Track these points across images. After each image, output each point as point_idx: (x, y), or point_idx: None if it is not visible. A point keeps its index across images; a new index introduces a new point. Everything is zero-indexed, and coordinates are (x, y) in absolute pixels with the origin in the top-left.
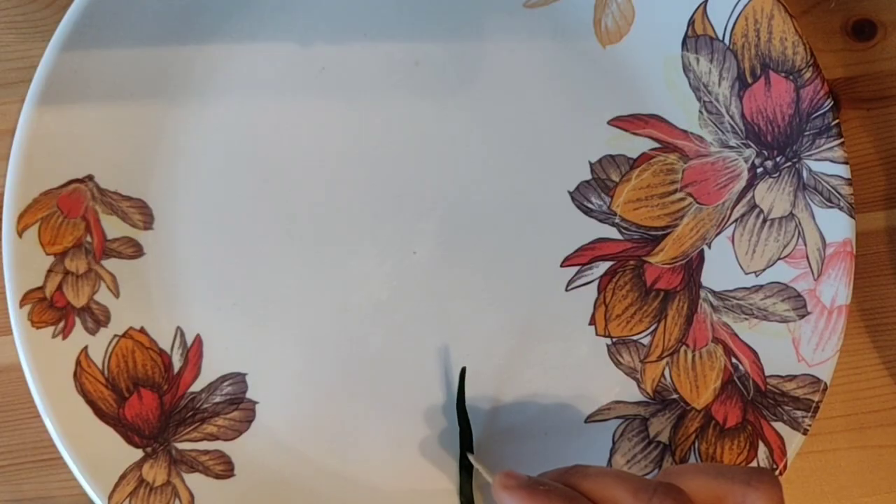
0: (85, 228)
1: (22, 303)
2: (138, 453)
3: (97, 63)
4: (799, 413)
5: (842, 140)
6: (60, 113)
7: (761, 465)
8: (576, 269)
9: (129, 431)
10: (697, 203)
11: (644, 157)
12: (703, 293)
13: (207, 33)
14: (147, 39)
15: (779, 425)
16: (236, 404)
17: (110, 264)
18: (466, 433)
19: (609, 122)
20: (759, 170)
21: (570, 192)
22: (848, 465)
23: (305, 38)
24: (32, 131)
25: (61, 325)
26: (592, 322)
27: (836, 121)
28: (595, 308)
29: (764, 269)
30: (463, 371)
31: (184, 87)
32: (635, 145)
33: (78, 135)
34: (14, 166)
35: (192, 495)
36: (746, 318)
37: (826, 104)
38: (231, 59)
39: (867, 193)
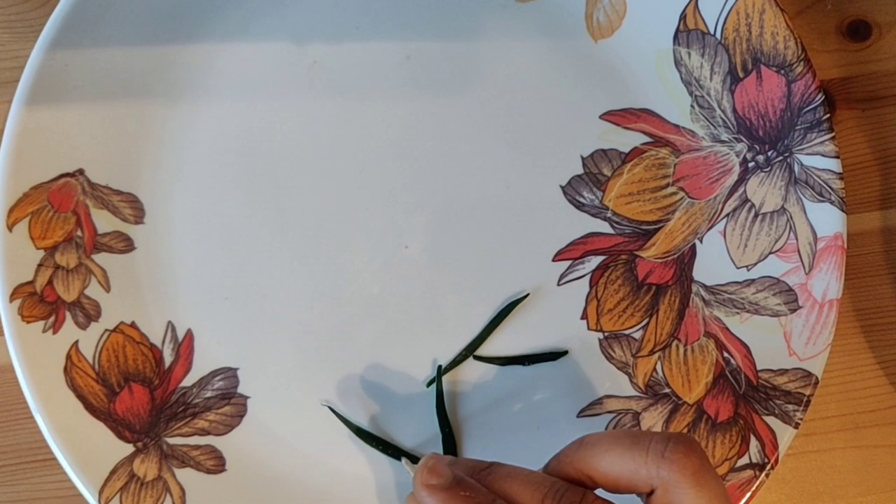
0: (76, 223)
1: (12, 297)
2: (129, 448)
3: (88, 58)
4: (790, 407)
5: (833, 134)
6: (51, 107)
7: (753, 459)
8: (567, 263)
9: (119, 426)
10: (689, 197)
11: (636, 152)
12: (694, 287)
13: (199, 28)
14: (138, 35)
15: (770, 419)
16: (228, 399)
17: (101, 259)
18: (448, 437)
19: (601, 117)
20: (751, 164)
21: (561, 187)
22: (843, 464)
23: (297, 33)
24: (22, 125)
25: (52, 319)
26: (584, 316)
27: (828, 115)
28: (587, 302)
29: (755, 264)
30: (439, 369)
31: (175, 81)
32: (627, 139)
33: (68, 129)
34: (4, 160)
35: (183, 490)
36: (738, 313)
37: (817, 98)
38: (222, 53)
39: (862, 194)
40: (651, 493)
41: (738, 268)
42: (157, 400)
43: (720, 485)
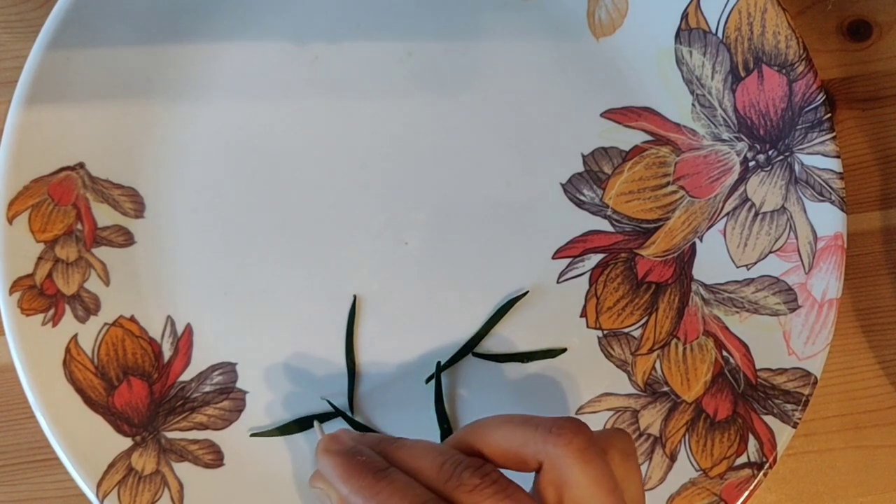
0: (76, 216)
1: (12, 290)
2: (127, 442)
3: (88, 56)
4: (789, 406)
5: (834, 134)
6: (52, 103)
7: (752, 458)
8: (567, 261)
9: (118, 420)
10: (689, 196)
11: (636, 150)
12: (694, 286)
13: (199, 25)
14: (138, 33)
15: (769, 418)
16: (226, 394)
17: (101, 252)
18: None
19: (602, 115)
20: (752, 163)
21: (562, 184)
22: (843, 465)
23: (298, 30)
24: (23, 119)
25: (51, 312)
26: (583, 314)
27: (829, 115)
28: (586, 300)
29: (755, 263)
30: (438, 365)
31: (175, 78)
32: (628, 138)
33: (69, 124)
34: (4, 153)
35: (181, 484)
36: (737, 312)
37: (818, 98)
38: (223, 50)
39: (862, 193)
40: (539, 469)
41: (737, 267)
42: (155, 394)
43: (606, 465)
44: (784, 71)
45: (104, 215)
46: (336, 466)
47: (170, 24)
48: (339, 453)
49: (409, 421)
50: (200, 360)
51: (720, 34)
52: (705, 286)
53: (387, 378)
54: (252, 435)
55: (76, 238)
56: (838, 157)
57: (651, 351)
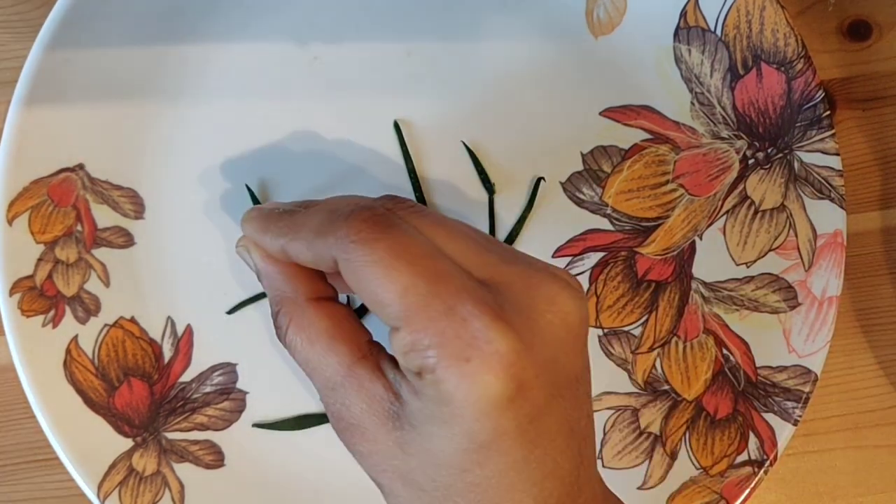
0: (76, 217)
1: (12, 291)
2: (128, 443)
3: (88, 56)
4: (790, 404)
5: (833, 131)
6: (51, 103)
7: (752, 456)
8: (567, 259)
9: (119, 421)
10: (689, 194)
11: (636, 148)
12: (694, 284)
13: (198, 26)
14: (137, 33)
15: (769, 416)
16: (227, 394)
17: (101, 253)
18: None
19: (601, 113)
20: (751, 161)
21: (561, 183)
22: (843, 465)
23: (297, 30)
24: (22, 120)
25: (51, 313)
26: None
27: (827, 112)
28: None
29: (755, 261)
30: None
31: (175, 79)
32: (627, 136)
33: (69, 125)
34: (4, 154)
35: (181, 485)
36: (737, 309)
37: (817, 95)
38: (222, 51)
39: (862, 194)
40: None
41: (737, 265)
42: (156, 395)
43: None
44: (783, 68)
45: (104, 216)
46: (257, 222)
47: (169, 25)
48: (259, 215)
49: None
50: (201, 361)
51: (719, 32)
52: (705, 284)
53: None
54: (254, 426)
55: (76, 239)
56: (837, 154)
57: (651, 349)
